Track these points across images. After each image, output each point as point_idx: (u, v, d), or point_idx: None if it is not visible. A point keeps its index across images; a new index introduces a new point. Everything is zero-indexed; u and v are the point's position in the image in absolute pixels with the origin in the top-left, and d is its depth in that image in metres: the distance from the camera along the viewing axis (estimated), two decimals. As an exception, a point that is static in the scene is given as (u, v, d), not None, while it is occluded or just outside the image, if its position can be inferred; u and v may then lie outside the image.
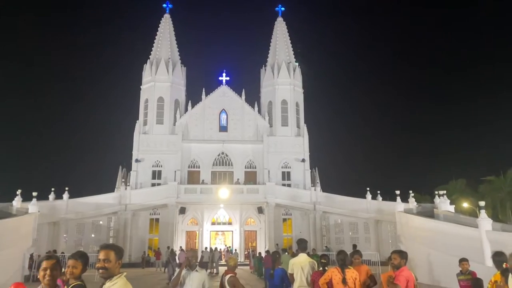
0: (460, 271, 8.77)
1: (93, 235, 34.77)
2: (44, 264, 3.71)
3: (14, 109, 78.29)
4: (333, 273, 6.88)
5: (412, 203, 31.14)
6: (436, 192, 30.34)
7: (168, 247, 31.49)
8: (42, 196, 30.66)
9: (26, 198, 27.82)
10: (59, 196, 33.36)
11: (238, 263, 33.77)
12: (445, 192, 29.84)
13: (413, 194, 32.01)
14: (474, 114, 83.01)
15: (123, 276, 3.71)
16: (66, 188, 33.29)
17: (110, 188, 40.84)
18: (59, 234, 32.99)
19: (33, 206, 26.58)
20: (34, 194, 27.15)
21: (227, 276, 7.11)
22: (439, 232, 22.10)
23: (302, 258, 7.90)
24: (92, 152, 79.79)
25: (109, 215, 35.61)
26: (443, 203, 28.12)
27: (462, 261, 8.89)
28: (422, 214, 27.28)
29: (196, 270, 6.46)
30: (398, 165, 78.06)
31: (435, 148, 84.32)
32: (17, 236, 23.60)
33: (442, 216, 25.26)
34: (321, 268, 7.74)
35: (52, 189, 33.29)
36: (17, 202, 27.43)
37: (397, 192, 30.87)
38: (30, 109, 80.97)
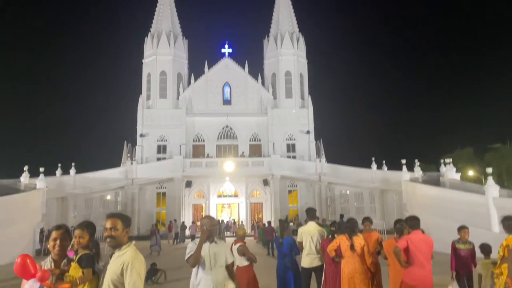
0: (459, 239, 7.99)
1: (101, 210, 35.21)
2: (54, 234, 3.67)
3: (17, 87, 78.05)
4: (342, 240, 6.93)
5: (418, 172, 31.18)
6: (442, 161, 30.30)
7: (175, 220, 32.01)
8: (49, 172, 30.91)
9: (33, 174, 28.08)
10: (66, 172, 33.65)
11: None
12: (451, 160, 29.75)
13: (418, 163, 31.99)
14: (481, 80, 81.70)
15: (132, 245, 3.65)
16: (73, 164, 33.53)
17: (117, 163, 41.07)
18: (68, 209, 33.45)
19: (40, 181, 26.87)
20: (41, 169, 27.39)
21: (237, 245, 7.23)
22: (445, 199, 22.17)
23: (311, 226, 7.93)
24: (96, 128, 79.93)
25: (116, 190, 35.96)
26: (449, 171, 28.12)
27: (463, 228, 8.04)
28: (428, 183, 27.35)
29: (215, 242, 5.08)
30: (403, 135, 77.77)
31: (441, 117, 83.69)
32: (26, 211, 23.93)
33: (449, 184, 25.32)
34: (330, 236, 7.77)
35: (59, 164, 33.57)
36: (24, 178, 27.73)
37: (403, 161, 30.90)
38: (32, 85, 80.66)
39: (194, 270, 4.94)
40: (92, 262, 3.57)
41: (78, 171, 33.81)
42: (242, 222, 35.95)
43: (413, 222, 6.43)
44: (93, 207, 35.05)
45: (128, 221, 3.72)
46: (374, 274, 6.85)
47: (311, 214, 8.12)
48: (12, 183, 27.32)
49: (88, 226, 3.72)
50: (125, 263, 3.45)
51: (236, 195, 38.67)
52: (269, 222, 24.61)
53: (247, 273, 7.05)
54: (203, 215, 37.46)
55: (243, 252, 7.11)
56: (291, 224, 32.28)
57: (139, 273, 3.44)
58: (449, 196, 22.46)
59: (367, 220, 8.05)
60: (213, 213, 36.95)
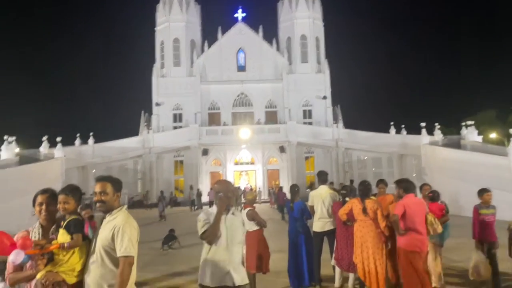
0: (481, 203, 7.09)
1: (121, 178, 35.59)
2: (39, 198, 3.49)
3: (33, 59, 78.56)
4: (354, 203, 6.72)
5: (438, 135, 30.42)
6: (463, 123, 29.43)
7: (192, 187, 32.30)
8: (68, 143, 31.37)
9: (53, 145, 28.52)
10: (84, 142, 34.11)
11: (262, 200, 34.77)
12: (473, 122, 28.85)
13: (439, 126, 31.17)
14: (504, 39, 78.00)
15: (123, 209, 3.49)
16: (91, 133, 33.97)
17: (134, 132, 41.38)
18: (88, 178, 33.99)
19: (58, 151, 27.39)
20: (58, 139, 27.82)
21: (246, 210, 7.12)
22: (466, 162, 21.65)
23: (323, 190, 7.72)
24: (113, 98, 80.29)
25: (135, 158, 36.40)
26: (470, 134, 27.37)
27: (486, 191, 7.07)
28: (448, 146, 26.73)
29: (232, 213, 4.14)
30: (423, 98, 75.65)
31: (462, 79, 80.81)
32: (45, 180, 24.26)
33: (470, 147, 24.65)
34: (341, 199, 7.53)
35: (78, 134, 34.02)
36: (44, 148, 28.23)
37: (422, 124, 30.19)
38: (48, 58, 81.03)
39: (206, 247, 4.02)
40: (81, 227, 3.40)
41: (97, 140, 34.25)
42: (259, 188, 36.12)
43: (406, 185, 6.18)
44: (112, 175, 35.50)
45: (119, 184, 3.54)
46: (388, 237, 6.60)
47: (322, 177, 7.87)
48: (32, 153, 27.90)
49: (73, 191, 3.50)
50: (116, 227, 3.30)
51: (252, 163, 38.72)
52: (281, 187, 24.94)
53: (256, 237, 7.02)
54: (220, 182, 37.71)
55: (252, 216, 6.97)
56: (308, 190, 32.31)
57: (130, 237, 3.28)
58: (470, 158, 21.88)
59: (381, 182, 7.75)
60: (230, 181, 37.10)
